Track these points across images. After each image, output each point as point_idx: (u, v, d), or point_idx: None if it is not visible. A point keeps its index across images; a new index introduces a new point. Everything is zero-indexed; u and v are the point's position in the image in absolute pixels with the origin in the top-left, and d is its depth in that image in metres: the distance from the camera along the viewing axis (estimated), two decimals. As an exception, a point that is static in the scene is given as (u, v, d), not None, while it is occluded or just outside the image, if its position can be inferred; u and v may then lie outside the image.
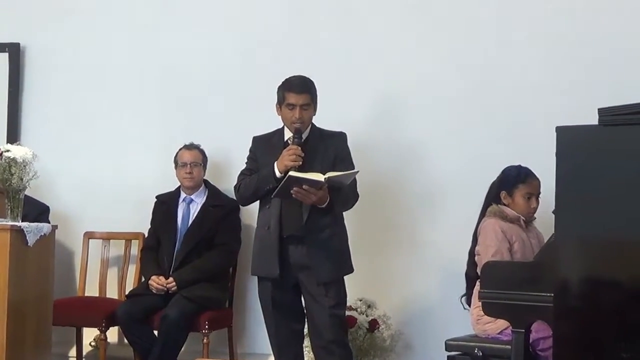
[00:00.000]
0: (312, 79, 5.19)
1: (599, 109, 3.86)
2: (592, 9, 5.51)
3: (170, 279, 5.84)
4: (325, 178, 4.79)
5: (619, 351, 3.78)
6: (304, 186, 4.80)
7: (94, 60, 6.73)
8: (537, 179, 5.12)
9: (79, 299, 6.40)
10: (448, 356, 4.99)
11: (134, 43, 6.66)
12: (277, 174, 4.94)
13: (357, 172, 5.00)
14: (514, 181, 5.12)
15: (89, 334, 6.30)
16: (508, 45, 5.71)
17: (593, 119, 3.89)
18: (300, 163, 4.90)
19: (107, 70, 6.71)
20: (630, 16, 5.41)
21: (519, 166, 5.15)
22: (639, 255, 3.74)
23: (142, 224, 6.28)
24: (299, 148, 4.95)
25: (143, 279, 6.09)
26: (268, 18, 6.34)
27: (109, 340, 6.09)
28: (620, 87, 5.16)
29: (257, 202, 5.21)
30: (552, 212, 4.06)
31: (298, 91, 5.06)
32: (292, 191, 4.82)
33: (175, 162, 6.14)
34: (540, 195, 5.13)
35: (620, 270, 3.81)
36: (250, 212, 5.75)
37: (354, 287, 5.48)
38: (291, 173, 4.80)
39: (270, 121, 5.27)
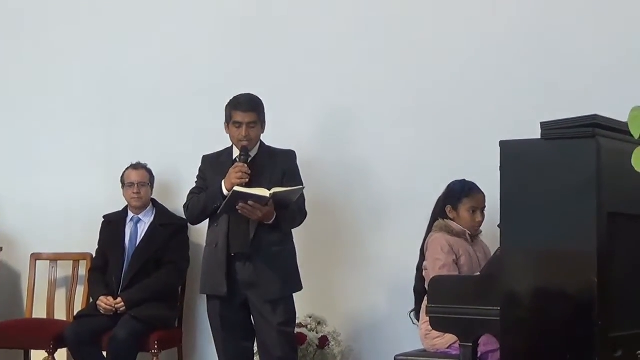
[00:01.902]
0: (260, 96, 5.19)
1: (541, 123, 3.92)
2: (534, 23, 5.55)
3: (119, 299, 5.79)
4: (270, 194, 4.80)
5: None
6: (249, 202, 4.80)
7: (38, 79, 6.68)
8: (482, 192, 5.15)
9: (26, 320, 6.33)
10: (398, 371, 5.02)
11: (79, 60, 6.62)
12: (225, 191, 4.95)
13: (303, 188, 5.02)
14: (459, 195, 5.15)
15: (37, 357, 6.22)
16: (452, 60, 5.73)
17: (536, 133, 3.93)
18: (247, 180, 4.90)
19: (51, 89, 6.65)
20: (573, 29, 5.46)
21: (464, 180, 5.19)
22: (583, 266, 3.79)
23: (90, 245, 6.22)
24: (245, 165, 4.96)
25: (91, 300, 6.03)
26: (216, 35, 6.33)
27: (57, 362, 6.04)
28: (562, 101, 5.23)
29: (207, 221, 5.20)
30: (498, 226, 4.09)
31: (244, 109, 5.07)
32: (237, 207, 4.82)
33: (122, 182, 6.10)
34: (485, 209, 5.17)
35: (566, 282, 3.86)
36: (199, 231, 5.74)
37: (304, 304, 5.48)
38: (236, 188, 4.81)
39: (220, 140, 5.27)
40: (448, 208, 5.16)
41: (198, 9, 6.40)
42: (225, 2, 6.34)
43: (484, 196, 5.12)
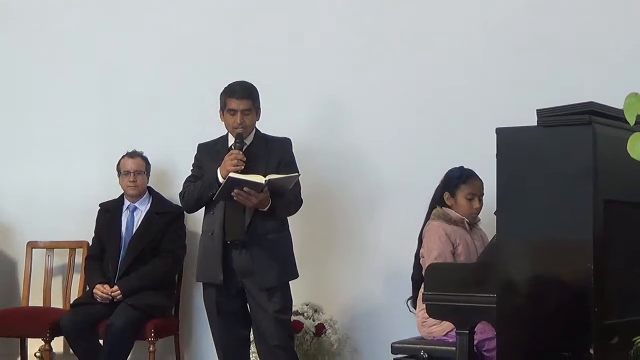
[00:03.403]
0: (255, 84, 5.19)
1: (537, 111, 3.90)
2: (531, 12, 5.55)
3: (116, 287, 5.79)
4: (266, 180, 4.80)
5: (561, 350, 3.81)
6: (244, 188, 4.80)
7: (35, 68, 6.67)
8: (480, 180, 5.14)
9: (22, 309, 6.33)
10: (394, 359, 5.00)
11: (75, 47, 6.61)
12: (220, 179, 4.94)
13: (299, 175, 5.02)
14: (457, 182, 5.14)
15: (34, 345, 6.21)
16: (448, 48, 5.73)
17: (532, 120, 3.93)
18: (243, 168, 4.90)
19: (48, 76, 6.64)
20: (568, 17, 5.46)
21: (462, 167, 5.18)
22: (579, 253, 3.78)
23: (87, 233, 6.22)
24: (241, 153, 4.95)
25: (88, 288, 6.03)
26: (213, 26, 6.32)
27: (54, 350, 6.02)
28: (559, 88, 5.22)
29: (203, 209, 5.20)
30: (495, 214, 4.08)
31: (239, 97, 5.07)
32: (233, 193, 4.82)
33: (119, 170, 6.09)
34: (483, 197, 5.16)
35: (562, 269, 3.85)
36: (196, 219, 5.73)
37: (301, 292, 5.48)
38: (231, 175, 4.81)
39: (216, 128, 5.27)
40: (446, 195, 5.15)
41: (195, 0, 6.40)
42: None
43: (482, 183, 5.11)
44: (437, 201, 5.20)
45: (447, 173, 5.22)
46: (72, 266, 6.41)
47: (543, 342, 3.87)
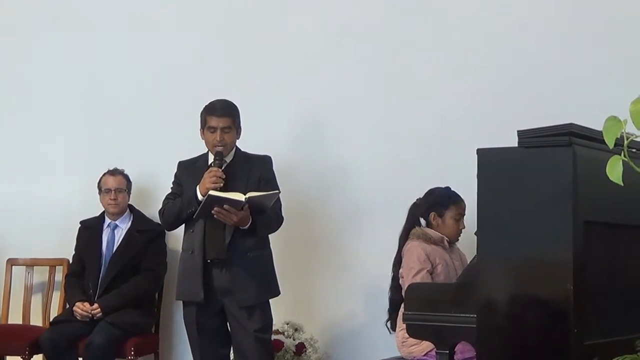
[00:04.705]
0: (235, 101, 5.20)
1: (518, 131, 3.92)
2: (512, 31, 5.58)
3: (95, 305, 5.76)
4: (245, 198, 4.80)
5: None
6: (224, 206, 4.80)
7: (17, 83, 6.66)
8: (464, 201, 5.15)
9: (1, 326, 6.29)
10: (374, 378, 5.02)
11: (58, 63, 6.59)
12: (199, 197, 4.94)
13: (279, 192, 5.02)
14: (446, 202, 5.14)
15: (13, 363, 6.20)
16: (429, 66, 5.74)
17: (513, 141, 3.94)
18: (222, 185, 4.90)
19: (30, 94, 6.63)
20: (550, 39, 5.49)
21: (448, 188, 5.18)
22: (559, 274, 3.79)
23: (67, 250, 6.20)
24: (220, 170, 4.95)
25: (67, 306, 6.00)
26: (192, 41, 6.33)
27: (33, 368, 6.00)
28: (539, 109, 5.24)
29: (183, 227, 5.19)
30: (475, 234, 4.09)
31: (219, 114, 5.08)
32: (212, 211, 4.81)
33: (99, 187, 6.08)
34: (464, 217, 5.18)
35: (542, 290, 3.87)
36: (176, 237, 5.71)
37: (281, 310, 5.47)
38: (211, 192, 4.80)
39: (197, 146, 5.27)
40: (432, 215, 5.15)
41: (178, 18, 6.40)
42: (205, 11, 6.32)
43: (465, 204, 5.12)
44: (415, 220, 5.20)
45: (433, 192, 5.20)
46: (51, 283, 6.37)
47: (522, 361, 3.89)
